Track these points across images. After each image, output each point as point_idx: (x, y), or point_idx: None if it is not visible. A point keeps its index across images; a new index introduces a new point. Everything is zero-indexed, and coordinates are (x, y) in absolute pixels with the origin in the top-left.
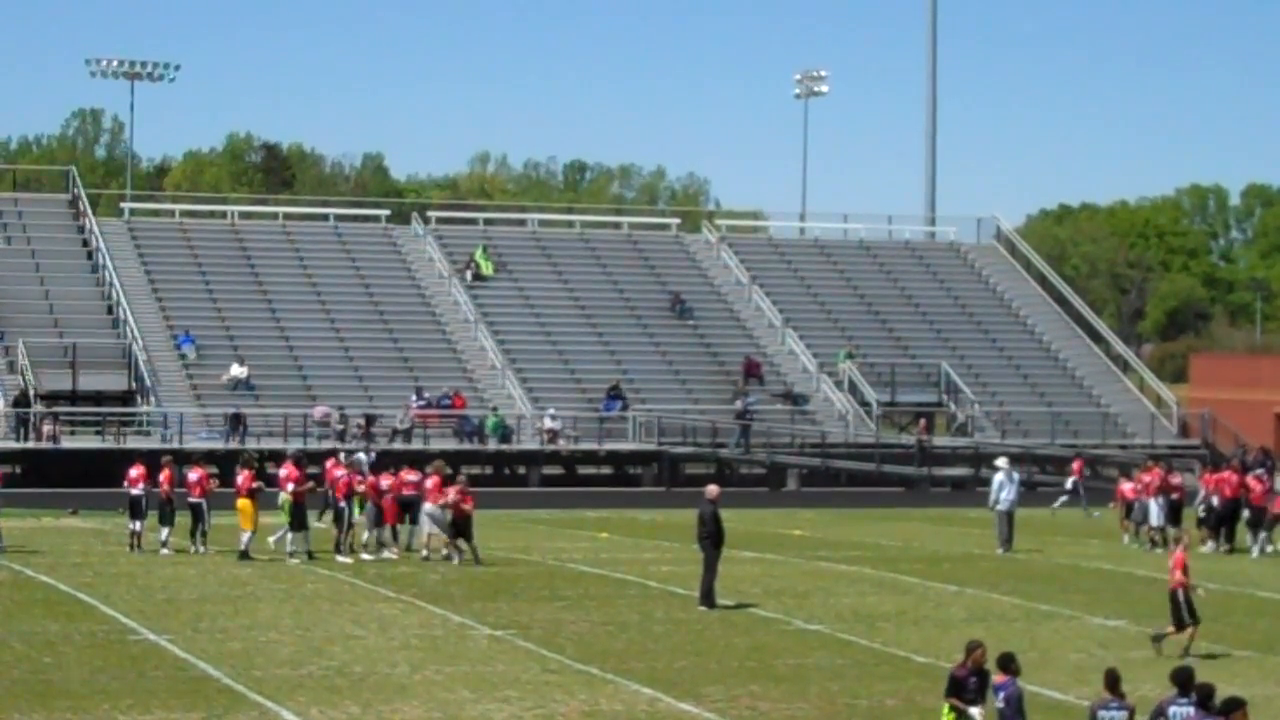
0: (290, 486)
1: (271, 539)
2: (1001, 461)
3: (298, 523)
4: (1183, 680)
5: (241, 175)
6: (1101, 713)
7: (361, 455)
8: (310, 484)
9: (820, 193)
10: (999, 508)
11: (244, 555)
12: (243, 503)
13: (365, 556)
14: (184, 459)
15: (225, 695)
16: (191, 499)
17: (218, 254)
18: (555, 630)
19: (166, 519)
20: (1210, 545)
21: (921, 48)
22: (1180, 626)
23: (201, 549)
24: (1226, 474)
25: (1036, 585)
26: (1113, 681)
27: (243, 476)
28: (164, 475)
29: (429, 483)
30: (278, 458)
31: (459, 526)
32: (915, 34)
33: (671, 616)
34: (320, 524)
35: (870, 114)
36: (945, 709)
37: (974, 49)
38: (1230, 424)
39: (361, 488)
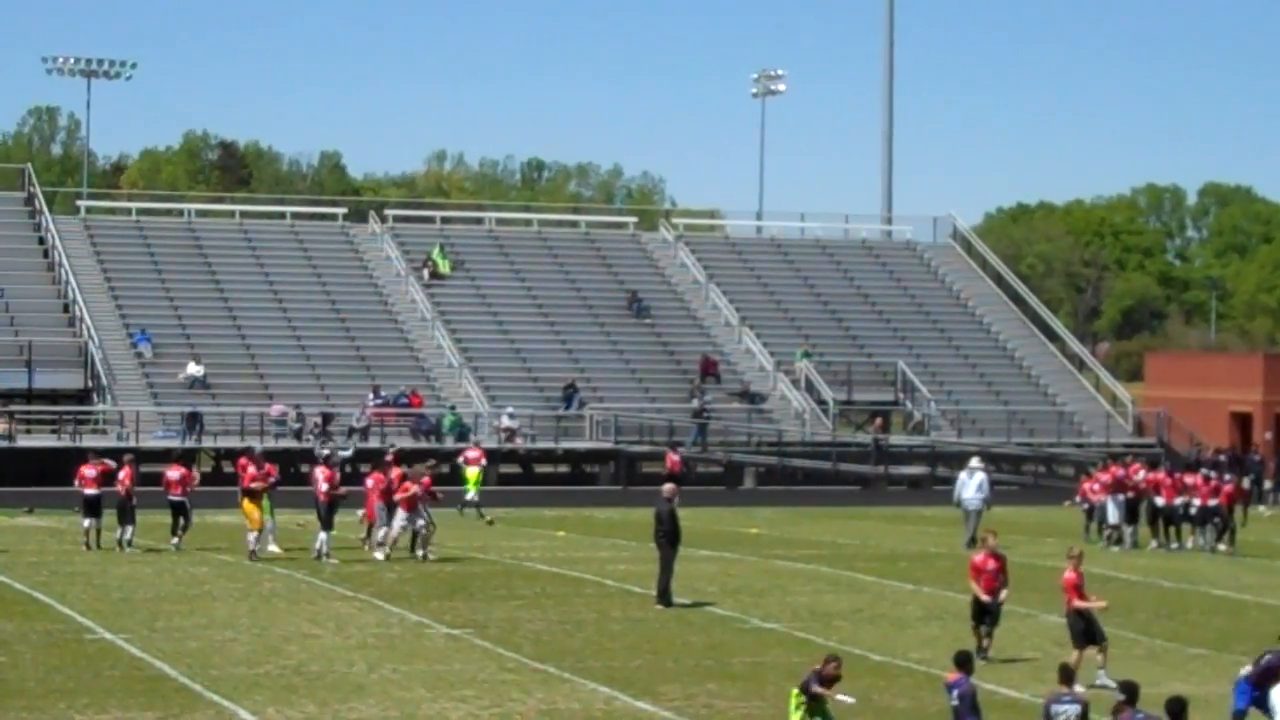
0: (324, 487)
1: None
2: (975, 461)
3: (327, 523)
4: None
5: (198, 173)
6: (1054, 706)
7: (343, 452)
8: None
9: (777, 192)
10: (970, 506)
11: (253, 556)
12: (246, 503)
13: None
14: (145, 457)
15: (182, 694)
16: (173, 497)
17: (174, 252)
18: (512, 629)
19: (126, 517)
20: (1153, 544)
21: (879, 47)
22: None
23: (174, 546)
24: (1160, 475)
25: None
26: (1066, 675)
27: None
28: (124, 474)
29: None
30: (233, 456)
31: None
32: (873, 33)
33: (628, 615)
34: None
35: (827, 113)
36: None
37: (931, 49)
38: (1185, 423)
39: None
